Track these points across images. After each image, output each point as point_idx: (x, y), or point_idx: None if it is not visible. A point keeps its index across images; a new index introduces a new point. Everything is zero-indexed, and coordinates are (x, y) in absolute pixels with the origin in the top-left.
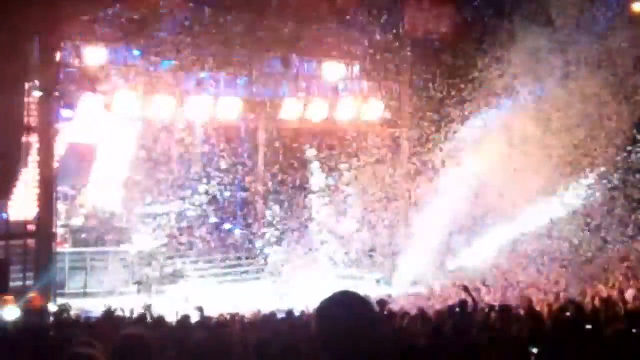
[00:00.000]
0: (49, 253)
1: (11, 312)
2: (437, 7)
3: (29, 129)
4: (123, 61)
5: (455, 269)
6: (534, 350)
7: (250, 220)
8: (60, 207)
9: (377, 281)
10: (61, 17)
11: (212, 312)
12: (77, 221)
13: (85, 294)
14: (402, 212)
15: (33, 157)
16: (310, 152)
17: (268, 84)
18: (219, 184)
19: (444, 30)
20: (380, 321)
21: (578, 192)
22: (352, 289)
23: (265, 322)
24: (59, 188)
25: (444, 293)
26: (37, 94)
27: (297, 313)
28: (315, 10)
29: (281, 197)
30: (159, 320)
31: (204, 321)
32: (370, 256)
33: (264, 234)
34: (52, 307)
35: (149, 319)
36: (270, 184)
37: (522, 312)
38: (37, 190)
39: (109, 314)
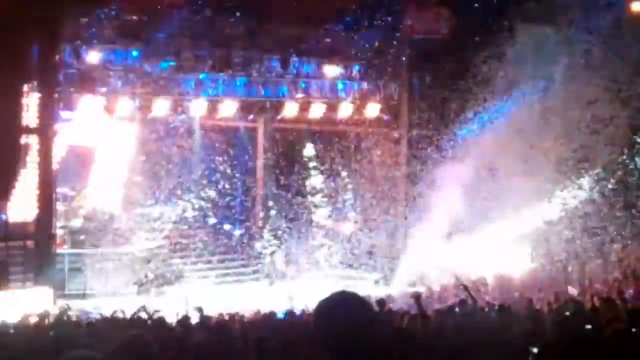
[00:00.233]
0: (49, 254)
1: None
2: (435, 9)
3: (28, 131)
4: (122, 63)
5: (455, 269)
6: (534, 350)
7: (249, 221)
8: (60, 208)
9: (376, 281)
10: (60, 18)
11: (211, 312)
12: (76, 222)
13: (84, 295)
14: (401, 212)
15: (32, 159)
16: (310, 153)
17: (267, 85)
18: (218, 185)
19: (443, 32)
20: (379, 321)
21: (577, 193)
22: (351, 289)
23: (265, 322)
24: (58, 189)
25: (443, 293)
26: (36, 95)
27: (296, 313)
28: (314, 12)
29: (280, 198)
30: (159, 321)
31: (204, 321)
32: (369, 257)
33: (263, 234)
34: (52, 309)
35: (148, 319)
36: (269, 184)
37: (522, 311)
38: (37, 192)
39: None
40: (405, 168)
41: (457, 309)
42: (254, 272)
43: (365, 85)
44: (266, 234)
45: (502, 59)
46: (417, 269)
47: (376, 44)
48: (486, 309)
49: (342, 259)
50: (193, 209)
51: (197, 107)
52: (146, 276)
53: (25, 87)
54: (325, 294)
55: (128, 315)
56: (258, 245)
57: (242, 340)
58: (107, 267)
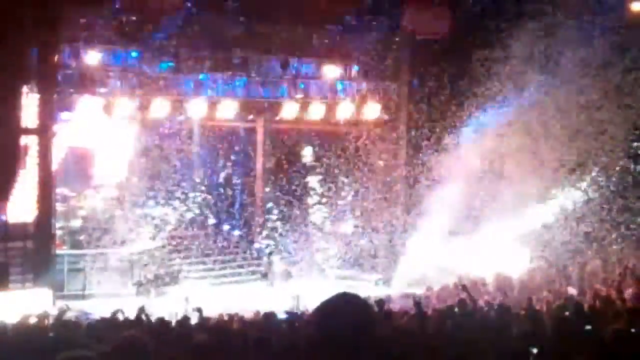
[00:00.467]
0: (48, 255)
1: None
2: (435, 8)
3: (27, 131)
4: (121, 63)
5: (455, 269)
6: (534, 350)
7: (248, 222)
8: (59, 209)
9: (376, 282)
10: (59, 19)
11: (211, 313)
12: (76, 223)
13: (84, 296)
14: (401, 212)
15: (32, 159)
16: (309, 153)
17: (266, 85)
18: (217, 185)
19: (443, 31)
20: (380, 322)
21: (576, 194)
22: (350, 290)
23: (265, 323)
24: (58, 190)
25: (443, 293)
26: (35, 96)
27: (297, 313)
28: (313, 12)
29: (280, 199)
30: (158, 322)
31: (204, 322)
32: (369, 257)
33: (262, 235)
34: (51, 309)
35: (147, 320)
36: (268, 185)
37: (521, 311)
38: (36, 193)
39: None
40: (404, 168)
41: (456, 309)
42: (253, 272)
43: (364, 85)
44: (265, 235)
45: (502, 59)
46: (416, 270)
47: (376, 44)
48: (485, 309)
49: (341, 260)
50: (192, 209)
51: (197, 107)
52: (145, 277)
53: (25, 88)
54: (324, 294)
55: (127, 316)
56: (257, 245)
57: (242, 340)
58: (107, 267)
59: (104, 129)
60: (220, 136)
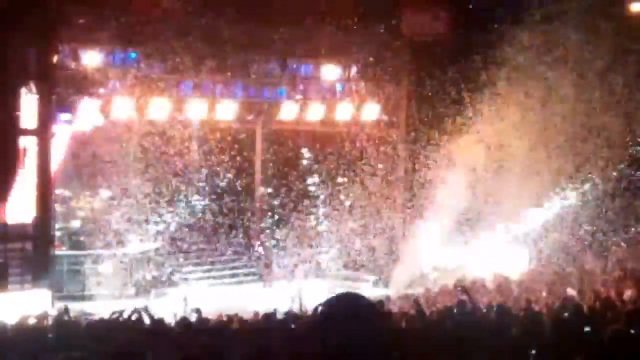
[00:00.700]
0: (47, 256)
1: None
2: (435, 9)
3: (26, 132)
4: (120, 64)
5: (454, 270)
6: (533, 351)
7: (247, 223)
8: (58, 210)
9: (375, 283)
10: (59, 20)
11: (210, 314)
12: (75, 224)
13: (83, 297)
14: (400, 213)
15: (30, 160)
16: (308, 155)
17: (265, 86)
18: (216, 186)
19: (442, 32)
20: (382, 323)
21: (576, 195)
22: (349, 290)
23: (265, 324)
24: (57, 191)
25: (442, 294)
26: (34, 97)
27: (296, 314)
28: (312, 13)
29: (279, 200)
30: (157, 323)
31: (202, 323)
32: (368, 258)
33: (261, 236)
34: (50, 310)
35: (147, 321)
36: (267, 186)
37: (520, 313)
38: (35, 194)
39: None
40: (404, 169)
41: (455, 311)
42: (252, 273)
43: (363, 86)
44: (264, 236)
45: (502, 60)
46: (415, 270)
47: (375, 45)
48: (485, 311)
49: (340, 260)
50: (191, 210)
51: (196, 108)
52: (145, 278)
53: (23, 89)
54: (323, 295)
55: (127, 317)
56: (256, 246)
57: (241, 343)
58: (106, 268)
59: (103, 130)
60: (219, 137)
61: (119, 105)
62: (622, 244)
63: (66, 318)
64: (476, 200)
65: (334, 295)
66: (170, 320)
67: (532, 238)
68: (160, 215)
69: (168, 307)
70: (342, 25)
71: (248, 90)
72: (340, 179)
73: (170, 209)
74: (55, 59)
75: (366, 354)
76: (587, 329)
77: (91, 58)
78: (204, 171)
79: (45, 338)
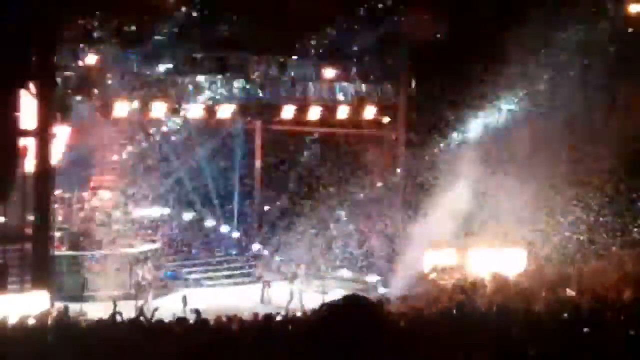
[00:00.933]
0: (47, 257)
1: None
2: (434, 11)
3: (26, 133)
4: (120, 65)
5: (453, 271)
6: (532, 351)
7: (247, 224)
8: (58, 210)
9: (375, 284)
10: (59, 21)
11: (210, 314)
12: (74, 225)
13: (83, 297)
14: (400, 214)
15: (30, 161)
16: (307, 155)
17: (265, 88)
18: (216, 187)
19: (442, 34)
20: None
21: (576, 196)
22: (349, 291)
23: (265, 325)
24: (57, 192)
25: (442, 295)
26: (34, 97)
27: (295, 315)
28: (312, 14)
29: (279, 201)
30: (157, 324)
31: (202, 324)
32: (368, 258)
33: (261, 237)
34: (50, 311)
35: (146, 322)
36: (267, 187)
37: (520, 314)
38: (35, 195)
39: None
40: (403, 170)
41: (455, 311)
42: (252, 274)
43: (363, 87)
44: (264, 237)
45: (501, 62)
46: (415, 271)
47: (374, 46)
48: (484, 311)
49: (340, 261)
50: (191, 211)
51: (195, 110)
52: (144, 278)
53: (23, 90)
54: (323, 296)
55: (126, 318)
56: (256, 247)
57: (240, 344)
58: (106, 269)
59: (103, 131)
60: (218, 138)
61: (118, 106)
62: (622, 246)
63: (65, 319)
64: (476, 200)
65: (340, 297)
66: (169, 320)
67: (532, 239)
68: (159, 216)
69: (168, 308)
70: (342, 26)
71: (248, 91)
72: (340, 180)
73: (170, 209)
74: (55, 60)
75: (369, 355)
76: (586, 330)
77: (91, 59)
78: (204, 172)
79: (45, 338)
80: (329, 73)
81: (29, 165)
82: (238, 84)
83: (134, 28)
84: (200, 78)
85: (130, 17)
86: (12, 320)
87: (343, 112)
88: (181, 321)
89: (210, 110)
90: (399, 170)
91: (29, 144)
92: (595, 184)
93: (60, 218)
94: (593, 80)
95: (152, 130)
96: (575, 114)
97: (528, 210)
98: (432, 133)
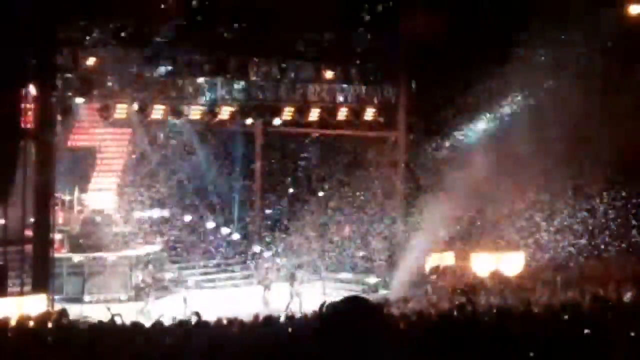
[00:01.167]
0: (47, 259)
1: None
2: (434, 12)
3: (26, 134)
4: (120, 67)
5: (454, 272)
6: (532, 353)
7: (247, 225)
8: (58, 212)
9: (375, 285)
10: (59, 22)
11: (210, 316)
12: (74, 227)
13: (82, 300)
14: (400, 215)
15: (30, 163)
16: (307, 157)
17: (265, 89)
18: (215, 189)
19: (441, 35)
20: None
21: (576, 197)
22: (349, 293)
23: (265, 327)
24: (57, 194)
25: (442, 297)
26: (34, 99)
27: (295, 317)
28: (311, 16)
29: (278, 202)
30: (157, 326)
31: (202, 326)
32: (368, 260)
33: (261, 238)
34: (50, 313)
35: (146, 324)
36: (267, 188)
37: (520, 314)
38: (35, 196)
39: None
40: (403, 171)
41: (455, 313)
42: (252, 276)
43: (363, 88)
44: (263, 238)
45: (501, 62)
46: (415, 273)
47: (374, 47)
48: (484, 313)
49: (340, 263)
50: (191, 213)
51: (195, 111)
52: (144, 280)
53: (24, 91)
54: (323, 298)
55: (126, 320)
56: (255, 249)
57: (241, 346)
58: (105, 271)
59: (102, 133)
60: (218, 140)
61: (117, 108)
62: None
63: (65, 321)
64: (477, 201)
65: (340, 298)
66: (169, 323)
67: (532, 239)
68: (159, 218)
69: (168, 310)
70: (341, 28)
71: (248, 92)
72: (339, 181)
73: (170, 211)
74: (55, 61)
75: (369, 356)
76: (586, 331)
77: (91, 60)
78: (203, 173)
79: (44, 341)
80: (329, 74)
81: (29, 166)
82: (238, 85)
83: (134, 29)
84: (200, 79)
85: (130, 18)
86: (12, 322)
87: (343, 114)
88: (181, 323)
89: (210, 112)
90: (398, 172)
91: (29, 145)
92: (595, 186)
93: (60, 220)
94: (593, 80)
95: (152, 132)
96: (575, 114)
97: (528, 211)
98: (432, 134)
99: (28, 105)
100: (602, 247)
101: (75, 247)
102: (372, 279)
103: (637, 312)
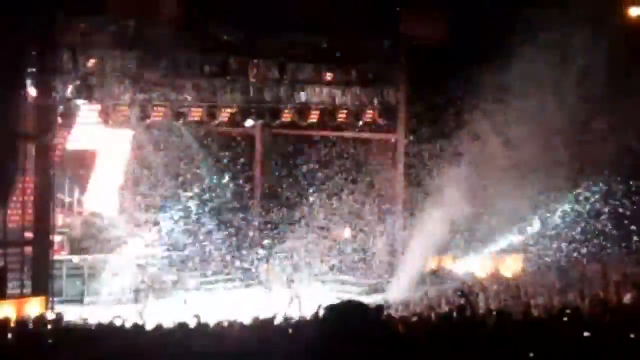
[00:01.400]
0: (47, 261)
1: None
2: (432, 13)
3: (26, 137)
4: (120, 69)
5: (453, 274)
6: (532, 355)
7: (246, 227)
8: (58, 214)
9: (375, 287)
10: (58, 25)
11: (210, 319)
12: (74, 229)
13: (82, 302)
14: (398, 218)
15: (30, 165)
16: (307, 159)
17: (265, 91)
18: (215, 191)
19: (441, 37)
20: (381, 329)
21: (576, 199)
22: (347, 295)
23: (265, 329)
24: (57, 196)
25: (441, 299)
26: (34, 101)
27: (294, 319)
28: (311, 17)
29: (278, 204)
30: (157, 328)
31: (202, 328)
32: (367, 262)
33: (260, 240)
34: (49, 315)
35: (146, 326)
36: (266, 190)
37: (520, 317)
38: (35, 198)
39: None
40: (402, 173)
41: (455, 315)
42: (252, 278)
43: (363, 90)
44: (263, 240)
45: (501, 64)
46: (415, 275)
47: (374, 49)
48: (484, 315)
49: (339, 265)
50: (190, 215)
51: (195, 113)
52: (144, 282)
53: (23, 94)
54: (321, 300)
55: (126, 322)
56: (255, 251)
57: (241, 348)
58: (105, 273)
59: (102, 135)
60: (218, 142)
61: (118, 110)
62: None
63: (65, 323)
64: (476, 203)
65: (337, 302)
66: (169, 325)
67: (532, 242)
68: (159, 220)
69: (167, 312)
70: (341, 29)
71: (247, 94)
72: (339, 184)
73: (169, 213)
74: (55, 63)
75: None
76: (586, 334)
77: (91, 63)
78: (203, 176)
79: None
80: (329, 76)
81: (29, 168)
82: (238, 87)
83: (134, 31)
84: (200, 81)
85: (130, 20)
86: (11, 324)
87: (342, 115)
88: (181, 325)
89: (210, 114)
90: (398, 174)
91: (29, 147)
92: (595, 188)
93: (60, 222)
94: (593, 80)
95: (152, 133)
96: (575, 115)
97: (528, 213)
98: (432, 136)
99: (28, 108)
100: (602, 249)
101: (75, 249)
102: (372, 281)
103: (637, 314)
